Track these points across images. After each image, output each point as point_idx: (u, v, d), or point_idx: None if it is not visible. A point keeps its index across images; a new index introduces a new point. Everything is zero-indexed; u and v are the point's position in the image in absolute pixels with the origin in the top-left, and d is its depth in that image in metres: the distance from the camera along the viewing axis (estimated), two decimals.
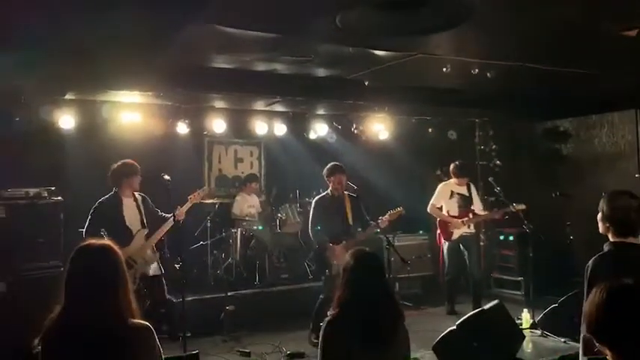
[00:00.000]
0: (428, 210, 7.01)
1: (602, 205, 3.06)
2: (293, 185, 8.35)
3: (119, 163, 5.40)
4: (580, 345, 2.10)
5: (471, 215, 6.84)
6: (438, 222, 7.01)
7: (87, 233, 5.04)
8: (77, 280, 2.22)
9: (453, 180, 6.98)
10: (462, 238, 6.83)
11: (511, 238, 8.03)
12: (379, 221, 5.59)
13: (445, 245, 6.95)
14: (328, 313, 2.78)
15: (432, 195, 7.11)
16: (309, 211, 7.84)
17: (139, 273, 5.17)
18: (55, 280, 2.30)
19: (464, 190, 6.92)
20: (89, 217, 5.19)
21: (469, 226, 6.85)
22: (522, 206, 6.47)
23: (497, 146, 8.89)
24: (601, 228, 3.09)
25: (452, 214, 6.88)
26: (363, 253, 2.88)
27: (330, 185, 5.83)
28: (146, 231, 5.36)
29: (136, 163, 5.45)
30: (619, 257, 2.89)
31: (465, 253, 6.85)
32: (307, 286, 6.98)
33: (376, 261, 2.86)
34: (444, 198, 6.95)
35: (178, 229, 5.33)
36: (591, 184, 7.63)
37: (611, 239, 3.00)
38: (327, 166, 5.87)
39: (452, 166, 7.01)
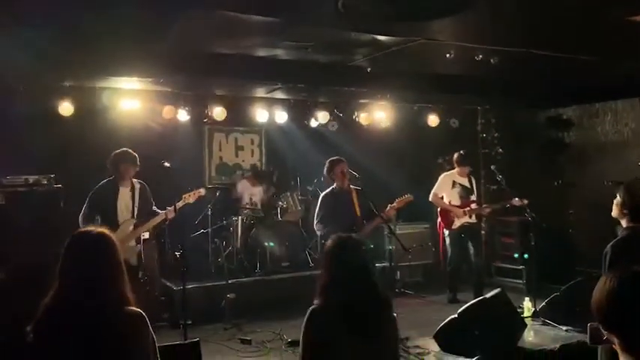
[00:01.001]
0: (430, 199, 7.02)
1: (623, 192, 3.18)
2: (294, 173, 8.31)
3: (118, 150, 5.44)
4: (587, 333, 2.07)
5: (473, 206, 6.83)
6: (439, 211, 7.01)
7: (82, 217, 5.18)
8: (71, 266, 2.20)
9: (455, 170, 6.98)
10: (464, 228, 6.84)
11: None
12: (387, 209, 5.57)
13: (447, 234, 6.95)
14: (314, 301, 2.69)
15: (433, 183, 7.10)
16: (310, 199, 7.92)
17: None
18: (55, 267, 2.26)
19: (465, 182, 6.95)
20: (86, 201, 5.33)
21: (470, 216, 6.86)
22: (525, 201, 6.44)
23: (500, 134, 8.84)
24: (615, 213, 3.21)
25: (453, 203, 6.88)
26: (344, 238, 2.78)
27: (335, 180, 5.71)
28: (134, 221, 5.42)
29: (133, 152, 5.48)
30: (637, 240, 3.00)
31: (468, 242, 6.86)
32: (308, 274, 6.97)
33: (358, 245, 2.75)
34: (445, 188, 6.96)
35: (176, 218, 5.33)
36: (594, 173, 7.60)
37: (625, 225, 3.12)
38: (326, 165, 5.76)
39: (455, 155, 7.00)
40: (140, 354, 2.19)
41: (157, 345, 2.28)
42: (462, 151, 7.01)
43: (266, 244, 7.23)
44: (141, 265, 5.38)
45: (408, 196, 5.71)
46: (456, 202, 6.88)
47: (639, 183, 3.29)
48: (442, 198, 6.95)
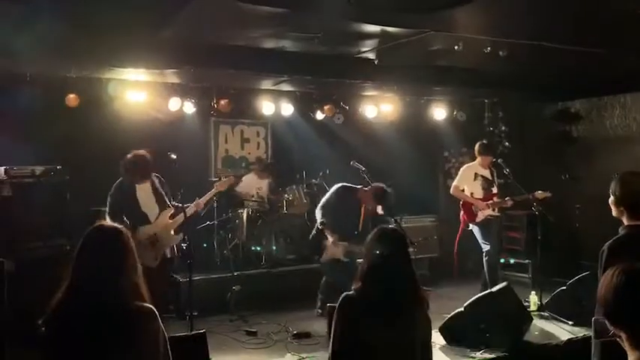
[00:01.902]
0: (451, 192, 6.84)
1: (614, 187, 2.94)
2: (300, 166, 8.30)
3: (138, 157, 5.11)
4: (592, 328, 2.06)
5: (495, 198, 6.68)
6: (461, 204, 6.82)
7: (109, 217, 4.99)
8: (85, 261, 2.22)
9: (477, 161, 6.79)
10: (487, 221, 6.71)
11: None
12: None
13: (474, 228, 6.77)
14: (352, 287, 2.80)
15: (439, 177, 7.04)
16: (315, 192, 7.92)
17: (161, 252, 5.15)
18: (62, 259, 2.28)
19: (487, 173, 6.76)
20: (108, 201, 5.13)
21: (494, 209, 6.74)
22: (548, 194, 6.38)
23: (507, 128, 8.79)
24: (614, 212, 2.99)
25: (476, 196, 6.69)
26: (385, 230, 2.92)
27: (360, 192, 5.94)
28: (172, 210, 5.29)
29: (147, 156, 5.19)
30: (635, 241, 2.80)
31: (493, 235, 6.70)
32: (313, 266, 6.97)
33: (400, 237, 2.89)
34: (467, 180, 6.77)
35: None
36: (601, 167, 7.54)
37: (625, 223, 2.92)
38: (376, 189, 5.85)
39: (477, 145, 6.82)
40: (150, 349, 2.20)
41: (167, 340, 2.29)
42: (484, 141, 6.88)
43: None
44: (175, 258, 5.36)
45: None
46: (479, 194, 6.69)
47: (631, 176, 2.95)
48: (463, 190, 6.81)
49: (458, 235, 7.09)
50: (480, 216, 6.69)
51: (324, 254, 5.86)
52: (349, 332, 2.68)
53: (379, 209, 5.92)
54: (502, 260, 7.13)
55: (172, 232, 5.28)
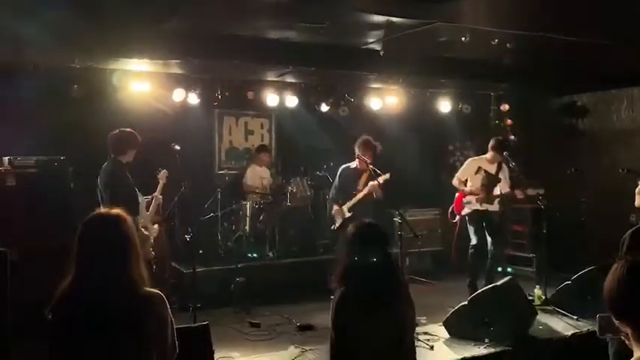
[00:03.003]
0: (453, 182, 6.84)
1: None
2: (304, 158, 8.28)
3: (126, 131, 5.06)
4: (597, 325, 2.04)
5: (491, 194, 6.66)
6: (456, 195, 6.84)
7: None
8: (88, 249, 2.21)
9: (487, 155, 6.70)
10: (481, 214, 6.66)
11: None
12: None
13: (465, 219, 6.82)
14: (333, 285, 2.80)
15: (444, 170, 7.01)
16: (319, 184, 7.92)
17: (150, 242, 5.14)
18: (66, 248, 2.26)
19: (492, 169, 6.68)
20: (110, 189, 4.90)
21: (481, 204, 6.69)
22: (541, 190, 6.34)
23: (513, 121, 8.73)
24: (638, 201, 3.18)
25: (474, 190, 6.63)
26: (363, 223, 2.90)
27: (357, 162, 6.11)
28: (147, 199, 5.28)
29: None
30: None
31: (486, 230, 6.71)
32: (317, 258, 6.97)
33: (377, 230, 2.86)
34: (469, 172, 6.72)
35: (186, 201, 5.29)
36: (608, 161, 7.50)
37: None
38: (362, 139, 6.09)
39: (493, 139, 6.69)
40: (159, 334, 2.19)
41: (174, 326, 2.29)
42: (499, 137, 6.78)
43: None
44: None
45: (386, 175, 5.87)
46: (477, 190, 6.58)
47: None
48: (466, 182, 6.69)
49: (457, 229, 7.07)
50: (466, 209, 6.65)
51: (334, 224, 6.15)
52: (348, 331, 2.69)
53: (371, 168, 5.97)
54: (500, 269, 7.09)
55: (153, 224, 5.31)
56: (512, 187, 6.60)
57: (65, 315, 2.14)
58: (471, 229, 6.69)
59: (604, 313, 1.96)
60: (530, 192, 6.32)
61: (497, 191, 6.56)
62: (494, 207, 6.63)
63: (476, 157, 6.88)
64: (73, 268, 2.19)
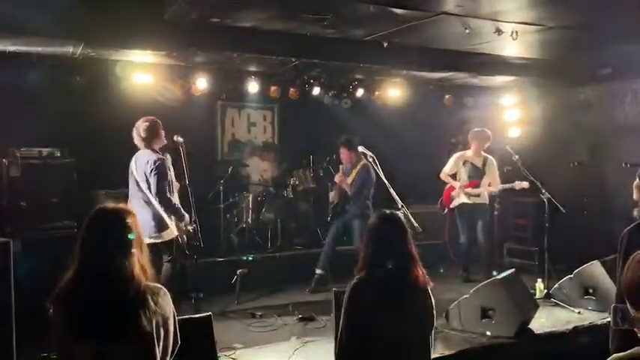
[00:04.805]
0: (440, 176, 6.95)
1: None
2: (306, 151, 8.27)
3: (150, 118, 4.94)
4: (611, 315, 2.02)
5: (474, 187, 6.74)
6: (445, 189, 6.97)
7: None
8: (91, 241, 2.22)
9: (470, 149, 6.86)
10: (468, 207, 6.73)
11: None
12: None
13: (453, 212, 6.90)
14: (355, 274, 2.79)
15: (445, 163, 7.04)
16: (321, 176, 7.93)
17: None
18: (69, 240, 2.28)
19: (478, 162, 6.79)
20: (158, 174, 4.71)
21: (468, 197, 6.73)
22: (525, 184, 6.40)
23: (515, 114, 8.69)
24: (636, 196, 3.07)
25: (460, 182, 6.82)
26: (385, 214, 2.91)
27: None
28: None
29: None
30: None
31: (475, 222, 6.79)
32: (319, 251, 6.97)
33: (398, 220, 2.87)
34: (456, 165, 6.87)
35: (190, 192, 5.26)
36: (611, 155, 7.46)
37: None
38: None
39: (471, 131, 6.87)
40: (161, 327, 2.21)
41: (176, 319, 2.30)
42: (476, 128, 6.91)
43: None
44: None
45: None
46: (463, 181, 6.82)
47: None
48: (454, 175, 6.85)
49: (447, 221, 7.13)
50: (455, 202, 6.71)
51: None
52: (360, 321, 2.67)
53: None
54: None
55: None
56: (504, 181, 6.72)
57: (67, 308, 2.15)
58: (459, 222, 6.81)
59: (620, 304, 1.94)
60: (517, 185, 6.42)
61: (484, 184, 6.65)
62: (483, 200, 6.71)
63: (462, 152, 7.00)
64: (76, 260, 2.20)
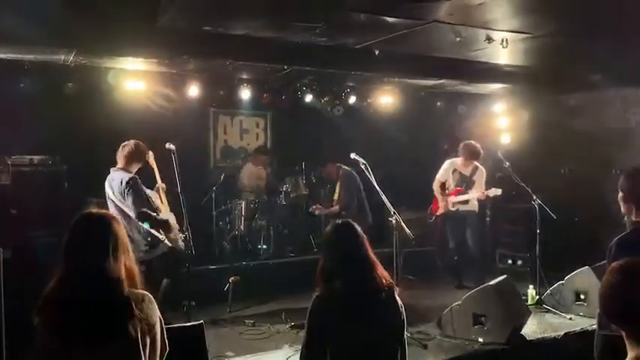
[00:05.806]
0: (433, 187, 6.96)
1: (622, 183, 2.92)
2: (299, 157, 8.28)
3: (136, 143, 4.94)
4: (597, 322, 2.05)
5: (457, 194, 6.77)
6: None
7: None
8: (76, 248, 2.19)
9: (460, 158, 6.87)
10: (455, 214, 6.76)
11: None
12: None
13: (443, 220, 6.94)
14: (315, 286, 2.72)
15: (437, 169, 7.07)
16: (314, 183, 7.93)
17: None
18: (58, 247, 2.26)
19: (467, 171, 6.81)
20: (134, 191, 4.68)
21: (453, 204, 6.77)
22: (498, 191, 6.48)
23: (506, 121, 8.76)
24: (623, 208, 2.95)
25: (450, 190, 6.84)
26: (338, 223, 2.85)
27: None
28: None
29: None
30: None
31: (464, 229, 6.80)
32: (312, 257, 6.96)
33: (352, 227, 2.78)
34: (447, 173, 6.88)
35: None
36: (601, 161, 7.52)
37: (634, 219, 2.89)
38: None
39: (462, 144, 6.83)
40: (147, 334, 2.18)
41: (164, 327, 2.28)
42: (471, 143, 6.80)
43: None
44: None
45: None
46: (451, 189, 6.85)
47: (635, 170, 2.94)
48: (445, 183, 6.87)
49: (437, 229, 7.15)
50: (442, 209, 6.76)
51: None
52: (324, 338, 2.60)
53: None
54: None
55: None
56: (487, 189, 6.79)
57: (51, 317, 2.11)
58: (448, 230, 6.82)
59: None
60: (491, 192, 6.46)
61: (471, 193, 6.65)
62: (471, 207, 6.74)
63: (453, 159, 7.01)
64: (60, 268, 2.16)
